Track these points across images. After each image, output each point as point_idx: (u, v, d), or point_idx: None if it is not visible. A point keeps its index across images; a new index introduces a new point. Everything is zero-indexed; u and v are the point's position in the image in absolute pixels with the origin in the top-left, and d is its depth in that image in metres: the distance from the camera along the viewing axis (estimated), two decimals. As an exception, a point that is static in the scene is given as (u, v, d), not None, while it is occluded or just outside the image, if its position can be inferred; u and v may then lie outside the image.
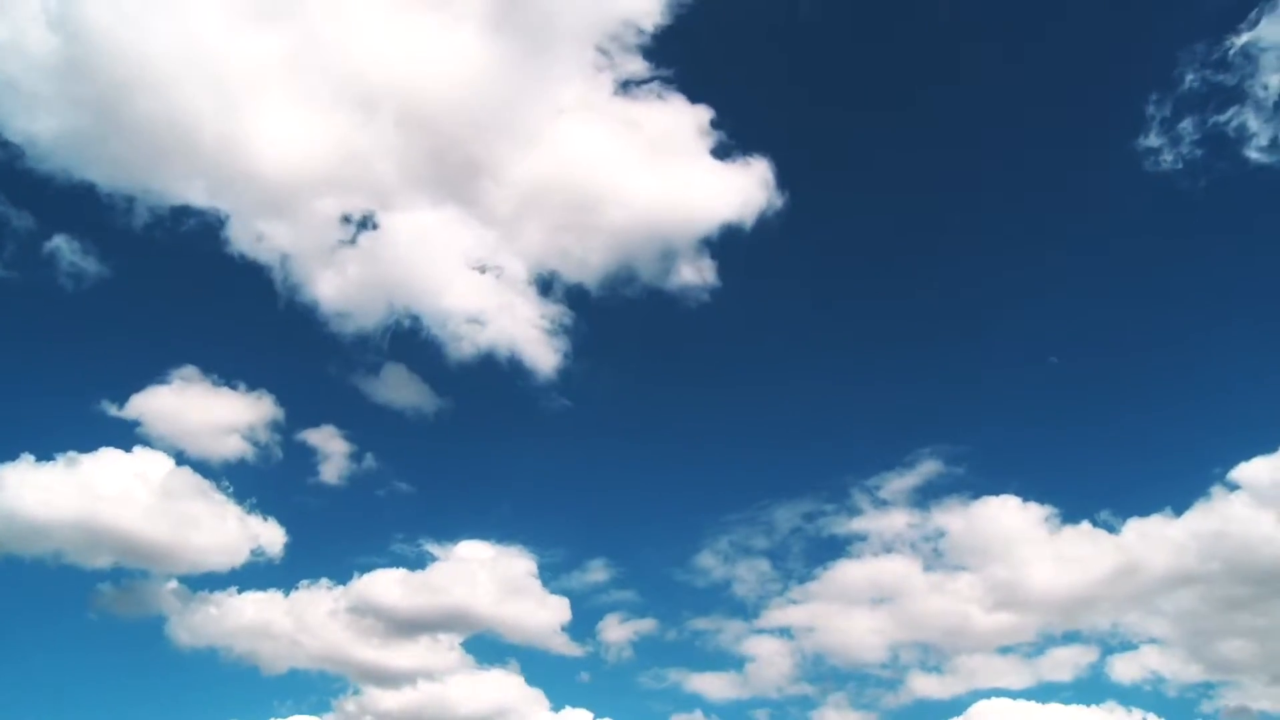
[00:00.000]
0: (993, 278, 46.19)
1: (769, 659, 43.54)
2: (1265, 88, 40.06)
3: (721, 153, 43.21)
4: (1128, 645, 42.90)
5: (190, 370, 40.69)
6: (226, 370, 40.88)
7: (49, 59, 35.19)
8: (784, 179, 42.98)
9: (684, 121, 42.87)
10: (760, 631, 43.84)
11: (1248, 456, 40.19)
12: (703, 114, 43.12)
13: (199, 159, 37.71)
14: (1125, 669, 42.47)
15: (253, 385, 41.45)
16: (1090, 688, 41.87)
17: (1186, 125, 41.31)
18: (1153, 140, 41.05)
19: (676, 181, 43.06)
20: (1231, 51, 40.37)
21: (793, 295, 46.76)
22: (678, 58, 42.63)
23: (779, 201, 43.07)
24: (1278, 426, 40.02)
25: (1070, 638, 42.88)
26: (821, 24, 44.99)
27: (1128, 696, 41.48)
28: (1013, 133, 46.20)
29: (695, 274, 43.57)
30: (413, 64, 38.96)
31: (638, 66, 42.40)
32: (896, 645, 43.60)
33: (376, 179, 40.64)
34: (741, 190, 43.06)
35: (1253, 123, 40.52)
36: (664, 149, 43.01)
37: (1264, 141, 39.98)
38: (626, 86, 42.54)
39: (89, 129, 36.37)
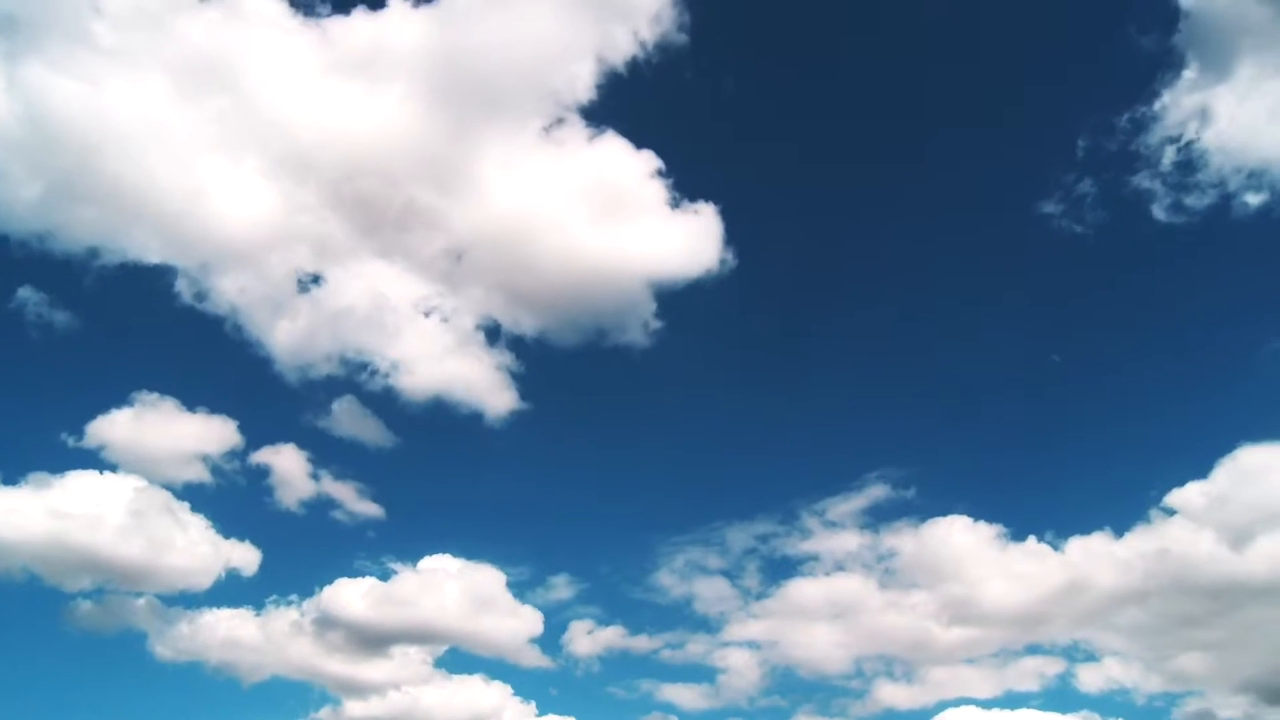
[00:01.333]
0: (928, 315, 48.45)
1: (739, 670, 44.80)
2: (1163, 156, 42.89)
3: (665, 199, 44.27)
4: (1090, 657, 44.22)
5: (152, 396, 41.78)
6: (188, 397, 42.05)
7: (14, 130, 37.63)
8: (728, 221, 44.58)
9: (627, 170, 44.21)
10: (727, 644, 45.10)
11: (1181, 482, 42.02)
12: (647, 162, 44.26)
13: (153, 219, 39.72)
14: (1091, 679, 43.75)
15: (214, 410, 42.63)
16: (1058, 697, 43.22)
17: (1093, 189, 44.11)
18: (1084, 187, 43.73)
19: (619, 229, 44.46)
20: (1133, 118, 43.48)
21: (735, 336, 48.62)
22: (621, 107, 43.98)
23: (722, 244, 44.53)
24: (1209, 453, 41.73)
25: (1032, 650, 44.20)
26: (761, 74, 47.65)
27: (1096, 705, 42.84)
28: (941, 188, 48.53)
29: (640, 317, 44.87)
30: (348, 124, 40.61)
31: (579, 116, 43.55)
32: (860, 658, 44.86)
33: (321, 234, 42.24)
34: (685, 233, 44.54)
35: (1154, 185, 43.36)
36: (607, 198, 44.24)
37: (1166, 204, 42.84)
38: (567, 136, 43.61)
39: (49, 192, 38.48)
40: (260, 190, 40.82)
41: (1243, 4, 41.65)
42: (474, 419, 44.92)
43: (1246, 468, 40.58)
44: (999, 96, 47.03)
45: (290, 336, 43.23)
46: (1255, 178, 42.26)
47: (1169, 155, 42.95)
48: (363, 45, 41.35)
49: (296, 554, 44.22)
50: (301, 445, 43.61)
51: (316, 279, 43.11)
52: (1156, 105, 43.56)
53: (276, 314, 43.06)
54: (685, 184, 43.99)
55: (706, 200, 44.53)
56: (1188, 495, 41.89)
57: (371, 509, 44.16)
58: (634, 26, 43.18)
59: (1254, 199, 42.45)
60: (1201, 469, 41.66)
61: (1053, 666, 44.01)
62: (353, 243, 42.67)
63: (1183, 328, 45.71)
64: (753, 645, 44.91)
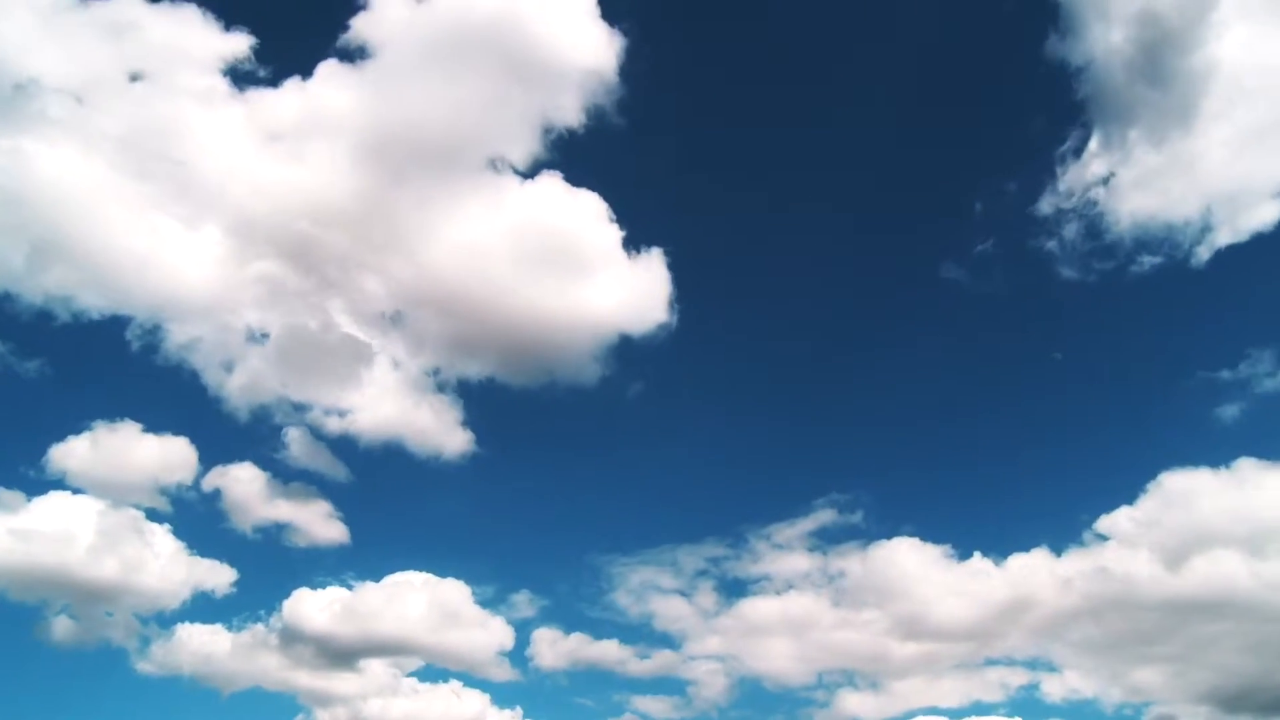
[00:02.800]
0: (864, 350, 50.73)
1: (707, 682, 46.00)
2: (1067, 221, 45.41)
3: (609, 246, 45.51)
4: (1051, 669, 45.22)
5: (111, 423, 42.96)
6: (148, 420, 43.20)
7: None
8: (674, 265, 46.27)
9: (567, 218, 45.38)
10: (693, 658, 46.38)
11: (1112, 507, 43.74)
12: (589, 210, 45.51)
13: (110, 276, 41.68)
14: (1055, 690, 44.80)
15: (176, 432, 43.86)
16: (1025, 707, 44.49)
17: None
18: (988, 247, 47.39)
19: (561, 276, 45.60)
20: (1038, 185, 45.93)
21: (681, 374, 49.95)
22: (560, 158, 45.09)
23: (669, 286, 46.08)
24: (1136, 480, 43.64)
25: (992, 662, 45.41)
26: (696, 135, 50.36)
27: (1063, 714, 44.43)
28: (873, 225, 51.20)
29: (588, 359, 46.33)
30: (289, 184, 42.16)
31: (516, 168, 44.76)
32: (821, 671, 46.07)
33: (267, 289, 43.60)
34: (631, 277, 46.03)
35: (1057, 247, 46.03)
36: (548, 246, 45.32)
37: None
38: (505, 187, 44.84)
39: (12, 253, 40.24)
40: (206, 249, 42.64)
41: (1137, 75, 43.50)
42: (430, 459, 46.54)
43: (1170, 492, 42.51)
44: (915, 158, 49.49)
45: (241, 384, 44.69)
46: (1151, 237, 44.63)
47: (1073, 219, 45.53)
48: (297, 110, 43.21)
49: (264, 571, 45.31)
50: (263, 467, 44.94)
51: (264, 334, 44.69)
52: (1059, 171, 46.03)
53: (227, 364, 44.64)
54: (631, 230, 45.61)
55: (652, 246, 46.20)
56: (1118, 519, 43.75)
57: (336, 529, 45.48)
58: (563, 85, 44.53)
59: (1149, 259, 44.95)
60: (1130, 495, 43.67)
61: (1016, 678, 45.24)
62: (298, 296, 44.07)
63: (1103, 369, 48.27)
64: (718, 658, 46.27)
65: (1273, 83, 42.69)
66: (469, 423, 46.51)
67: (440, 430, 46.28)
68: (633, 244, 46.00)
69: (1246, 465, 42.04)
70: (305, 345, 43.63)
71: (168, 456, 42.66)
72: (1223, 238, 43.37)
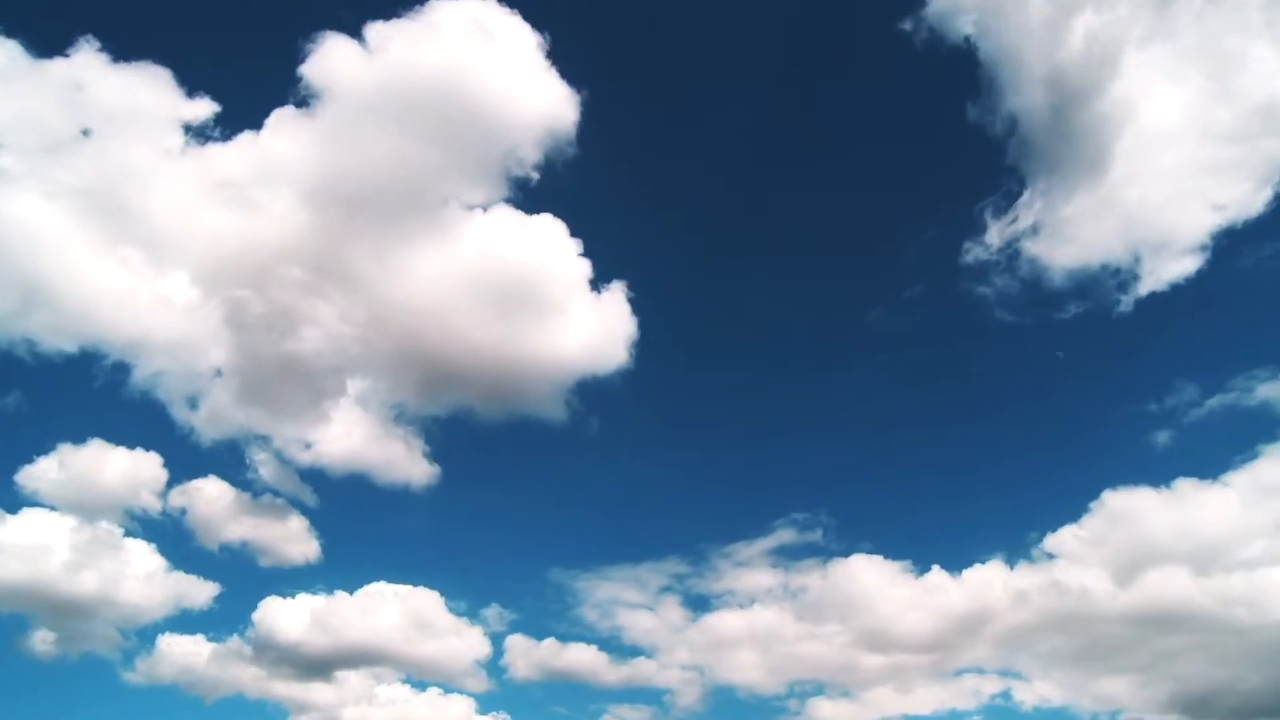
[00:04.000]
0: (825, 380, 53.78)
1: (681, 691, 47.16)
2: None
3: (572, 285, 46.93)
4: (1019, 678, 46.13)
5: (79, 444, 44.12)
6: (117, 438, 44.41)
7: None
8: (636, 301, 47.94)
9: (527, 259, 46.67)
10: (666, 668, 47.51)
11: (1057, 526, 45.34)
12: (553, 247, 46.80)
13: (79, 316, 43.38)
14: (1025, 698, 45.63)
15: (147, 448, 45.02)
16: (999, 715, 45.52)
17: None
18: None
19: (524, 315, 46.95)
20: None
21: (644, 405, 52.20)
22: (520, 198, 46.46)
23: (632, 321, 47.69)
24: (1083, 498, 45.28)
25: (962, 672, 46.47)
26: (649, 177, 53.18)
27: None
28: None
29: (553, 393, 47.99)
30: (249, 229, 43.57)
31: (471, 209, 46.09)
32: (792, 681, 47.21)
33: (234, 327, 44.81)
34: (595, 314, 47.72)
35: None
36: (508, 285, 46.43)
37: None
38: (459, 229, 45.97)
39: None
40: (171, 292, 44.07)
41: (1054, 131, 46.17)
42: (396, 490, 48.10)
43: (1115, 510, 44.00)
44: (856, 209, 53.57)
45: (208, 415, 45.94)
46: (1077, 283, 47.15)
47: (1003, 268, 48.44)
48: (254, 159, 44.50)
49: (241, 584, 46.32)
50: (233, 484, 46.25)
51: (228, 371, 45.78)
52: (988, 223, 48.70)
53: (192, 399, 45.94)
54: (593, 269, 47.23)
55: (613, 282, 48.02)
56: (1066, 536, 45.36)
57: (309, 545, 46.66)
58: (516, 132, 45.87)
59: (1077, 304, 47.56)
60: (1076, 512, 45.35)
61: (988, 685, 46.18)
62: (262, 335, 45.00)
63: (1041, 401, 51.37)
64: (690, 669, 47.41)
65: (1181, 131, 45.44)
66: (433, 455, 48.06)
67: (406, 463, 47.89)
68: (595, 283, 47.57)
69: (1185, 485, 43.85)
70: (269, 381, 44.96)
71: (138, 473, 43.89)
72: (1146, 284, 45.87)
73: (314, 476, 47.00)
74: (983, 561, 46.32)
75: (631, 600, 49.49)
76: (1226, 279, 45.33)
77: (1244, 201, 44.23)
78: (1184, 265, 45.20)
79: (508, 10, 45.35)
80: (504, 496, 52.41)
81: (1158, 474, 44.76)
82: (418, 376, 47.56)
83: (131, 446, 44.16)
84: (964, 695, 46.19)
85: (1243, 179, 44.19)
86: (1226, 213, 44.56)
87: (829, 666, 47.27)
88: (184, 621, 44.18)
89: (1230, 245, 44.60)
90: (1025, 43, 45.11)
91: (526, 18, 45.02)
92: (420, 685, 45.34)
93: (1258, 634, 41.76)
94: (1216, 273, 44.82)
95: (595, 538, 51.95)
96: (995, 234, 48.17)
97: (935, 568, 46.24)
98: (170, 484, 44.71)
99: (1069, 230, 46.82)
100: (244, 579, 46.01)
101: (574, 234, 47.19)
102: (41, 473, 42.70)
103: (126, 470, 43.51)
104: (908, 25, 46.67)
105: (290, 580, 46.24)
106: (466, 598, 48.14)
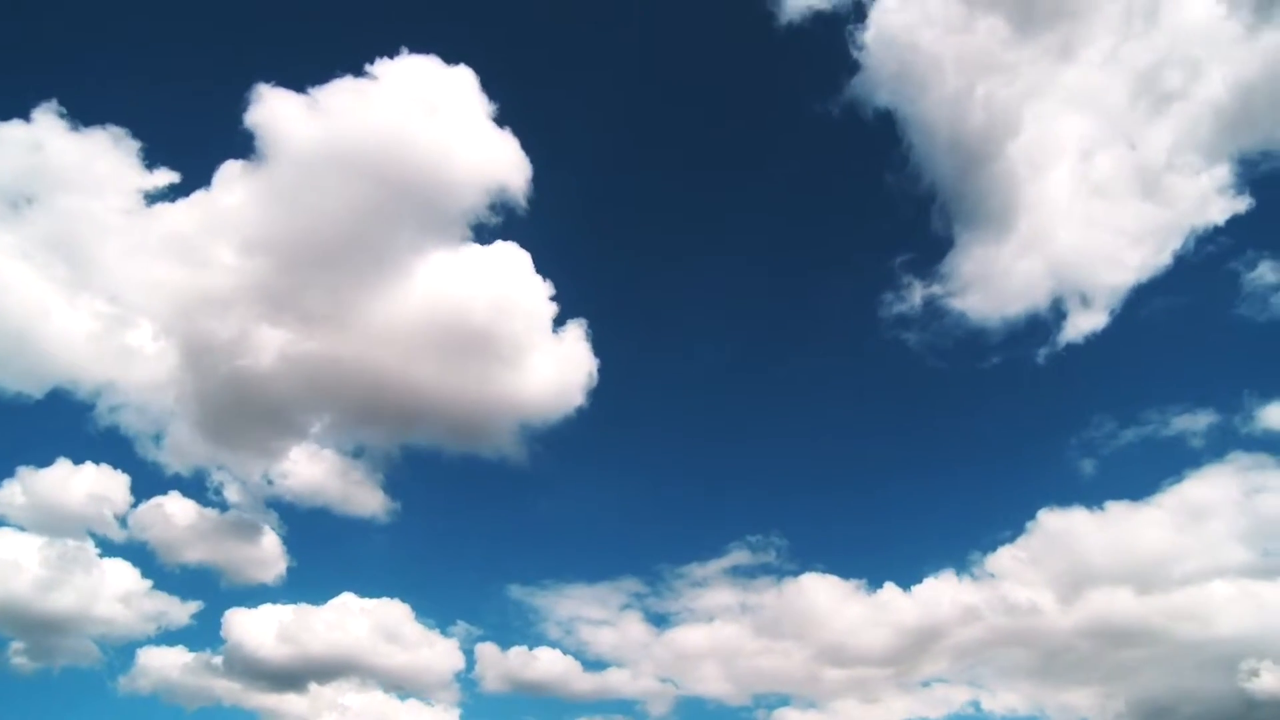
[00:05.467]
0: (775, 411, 56.44)
1: (654, 702, 48.12)
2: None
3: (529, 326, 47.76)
4: (982, 688, 47.15)
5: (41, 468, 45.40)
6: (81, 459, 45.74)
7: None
8: (595, 340, 49.48)
9: (488, 300, 47.45)
10: (637, 679, 48.42)
11: (994, 546, 47.49)
12: (509, 292, 47.62)
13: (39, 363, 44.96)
14: (990, 709, 46.72)
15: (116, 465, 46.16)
16: None
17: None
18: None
19: (478, 358, 47.91)
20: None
21: (598, 440, 53.57)
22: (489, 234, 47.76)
23: (591, 356, 49.11)
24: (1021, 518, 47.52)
25: (927, 684, 47.57)
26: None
27: None
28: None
29: (507, 432, 49.34)
30: (195, 284, 44.95)
31: (415, 255, 46.79)
32: (757, 694, 48.17)
33: (195, 371, 45.96)
34: (552, 353, 48.89)
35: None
36: (462, 330, 47.48)
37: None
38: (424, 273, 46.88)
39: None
40: (134, 339, 45.45)
41: (973, 190, 49.80)
42: (358, 519, 49.63)
43: (1050, 530, 46.01)
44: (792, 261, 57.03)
45: (171, 448, 47.16)
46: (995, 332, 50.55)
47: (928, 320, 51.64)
48: (208, 213, 45.75)
49: (213, 599, 47.20)
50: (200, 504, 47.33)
51: (188, 410, 46.74)
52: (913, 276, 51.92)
53: (156, 436, 47.24)
54: (556, 308, 48.64)
55: (571, 320, 49.37)
56: (1005, 555, 47.32)
57: (278, 562, 47.76)
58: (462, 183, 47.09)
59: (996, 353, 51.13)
60: (1015, 533, 47.45)
61: (957, 695, 47.18)
62: (223, 375, 45.91)
63: (971, 437, 54.16)
64: (661, 680, 48.45)
65: (1084, 191, 48.95)
66: (393, 490, 49.54)
67: (366, 498, 49.34)
68: (555, 321, 48.99)
69: (1116, 507, 46.22)
70: (230, 421, 46.33)
71: (106, 491, 45.14)
72: (1065, 334, 49.19)
73: (278, 505, 48.48)
74: (934, 575, 47.98)
75: (594, 616, 50.88)
76: (1133, 327, 49.50)
77: (1146, 259, 48.10)
78: (1094, 319, 48.86)
79: (453, 65, 46.83)
80: (462, 523, 54.49)
81: (1089, 496, 47.24)
82: (377, 416, 48.91)
83: (98, 462, 45.52)
84: (933, 704, 47.29)
85: (1146, 236, 48.02)
86: (1131, 268, 48.33)
87: (793, 679, 48.52)
88: (159, 636, 45.28)
89: (1135, 299, 48.85)
90: (937, 110, 49.00)
91: (475, 69, 46.76)
92: (402, 696, 46.50)
93: (1208, 648, 43.17)
94: (1124, 323, 49.01)
95: (552, 558, 53.54)
96: (919, 289, 51.85)
97: (888, 584, 47.67)
98: (136, 503, 45.89)
99: (987, 284, 50.53)
100: (214, 594, 47.02)
101: (536, 272, 48.57)
102: (9, 496, 43.98)
103: (94, 488, 44.78)
104: (836, 97, 51.38)
105: (259, 594, 47.28)
106: (433, 614, 49.16)
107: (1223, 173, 46.92)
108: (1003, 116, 47.59)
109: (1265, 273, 47.70)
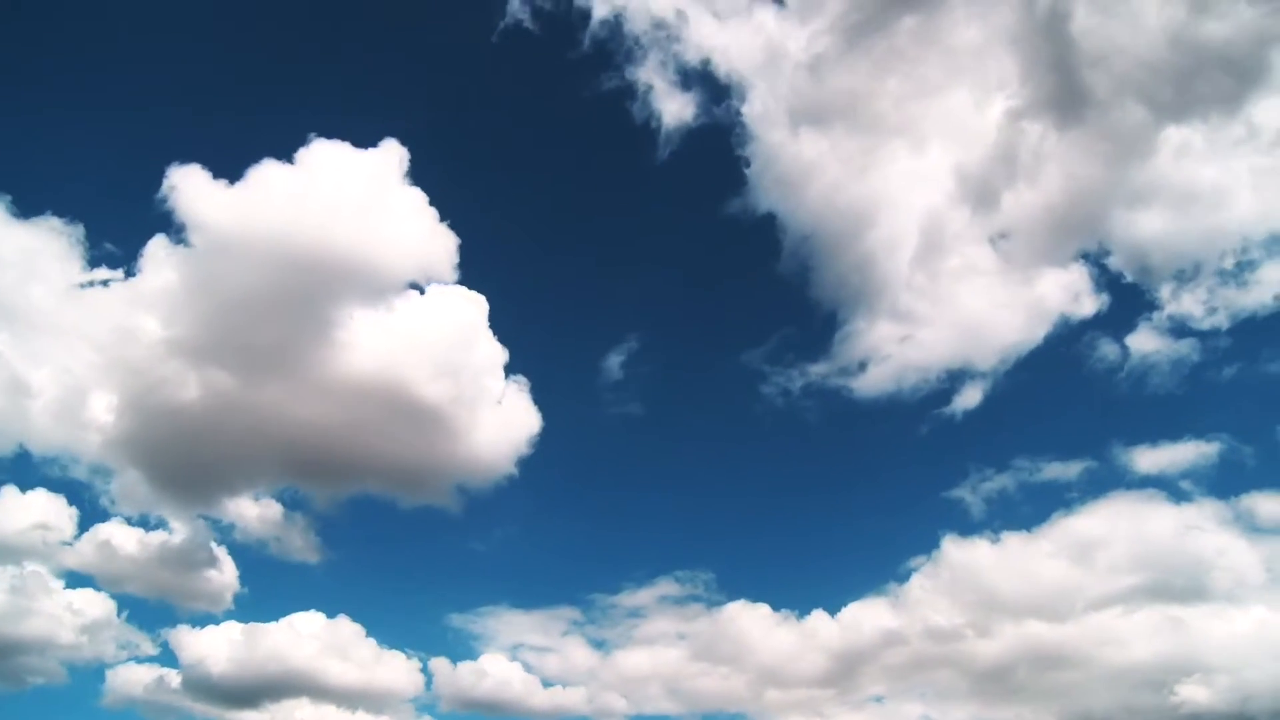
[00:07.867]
0: (699, 456, 61.43)
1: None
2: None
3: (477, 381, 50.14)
4: (917, 708, 48.59)
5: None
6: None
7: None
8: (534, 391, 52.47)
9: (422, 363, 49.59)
10: (591, 700, 50.48)
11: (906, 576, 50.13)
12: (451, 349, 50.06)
13: None
14: None
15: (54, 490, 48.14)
16: None
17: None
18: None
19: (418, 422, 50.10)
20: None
21: (536, 483, 55.68)
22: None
23: (534, 409, 51.98)
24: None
25: (878, 699, 49.16)
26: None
27: None
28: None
29: (450, 489, 52.21)
30: (138, 352, 47.15)
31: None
32: (707, 714, 50.53)
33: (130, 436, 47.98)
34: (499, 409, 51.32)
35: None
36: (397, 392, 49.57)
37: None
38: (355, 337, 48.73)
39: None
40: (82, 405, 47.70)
41: (849, 276, 56.01)
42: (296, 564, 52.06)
43: (954, 560, 48.44)
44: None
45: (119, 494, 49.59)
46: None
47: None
48: (149, 287, 48.33)
49: (161, 620, 50.13)
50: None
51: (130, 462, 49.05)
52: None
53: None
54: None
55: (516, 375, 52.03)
56: (916, 583, 49.65)
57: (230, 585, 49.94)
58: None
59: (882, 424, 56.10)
60: (925, 559, 50.27)
61: (908, 710, 48.63)
62: (165, 431, 47.82)
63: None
64: (611, 699, 50.17)
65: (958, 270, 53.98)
66: (329, 542, 52.13)
67: (304, 546, 51.75)
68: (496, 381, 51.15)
69: (1012, 538, 49.55)
70: (174, 476, 48.84)
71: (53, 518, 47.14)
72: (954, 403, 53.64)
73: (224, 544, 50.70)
74: (858, 600, 50.53)
75: (536, 643, 53.09)
76: (1010, 392, 54.03)
77: (1020, 335, 53.09)
78: (974, 394, 53.38)
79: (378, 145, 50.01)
80: (398, 559, 56.82)
81: (984, 527, 51.09)
82: (316, 473, 51.11)
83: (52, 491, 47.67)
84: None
85: (1018, 312, 53.43)
86: (1007, 343, 53.12)
87: (740, 698, 50.28)
88: (117, 658, 47.65)
89: (1013, 370, 53.61)
90: (810, 208, 56.44)
91: (402, 141, 50.06)
92: (356, 709, 48.24)
93: (1135, 671, 44.84)
94: (1003, 390, 53.77)
95: (487, 589, 55.56)
96: (813, 366, 56.77)
97: (816, 610, 49.83)
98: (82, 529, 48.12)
99: (875, 360, 55.31)
100: (160, 615, 49.92)
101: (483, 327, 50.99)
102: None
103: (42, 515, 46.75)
104: (732, 202, 58.90)
105: (210, 617, 49.42)
106: (380, 634, 50.98)
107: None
108: (856, 214, 54.82)
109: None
